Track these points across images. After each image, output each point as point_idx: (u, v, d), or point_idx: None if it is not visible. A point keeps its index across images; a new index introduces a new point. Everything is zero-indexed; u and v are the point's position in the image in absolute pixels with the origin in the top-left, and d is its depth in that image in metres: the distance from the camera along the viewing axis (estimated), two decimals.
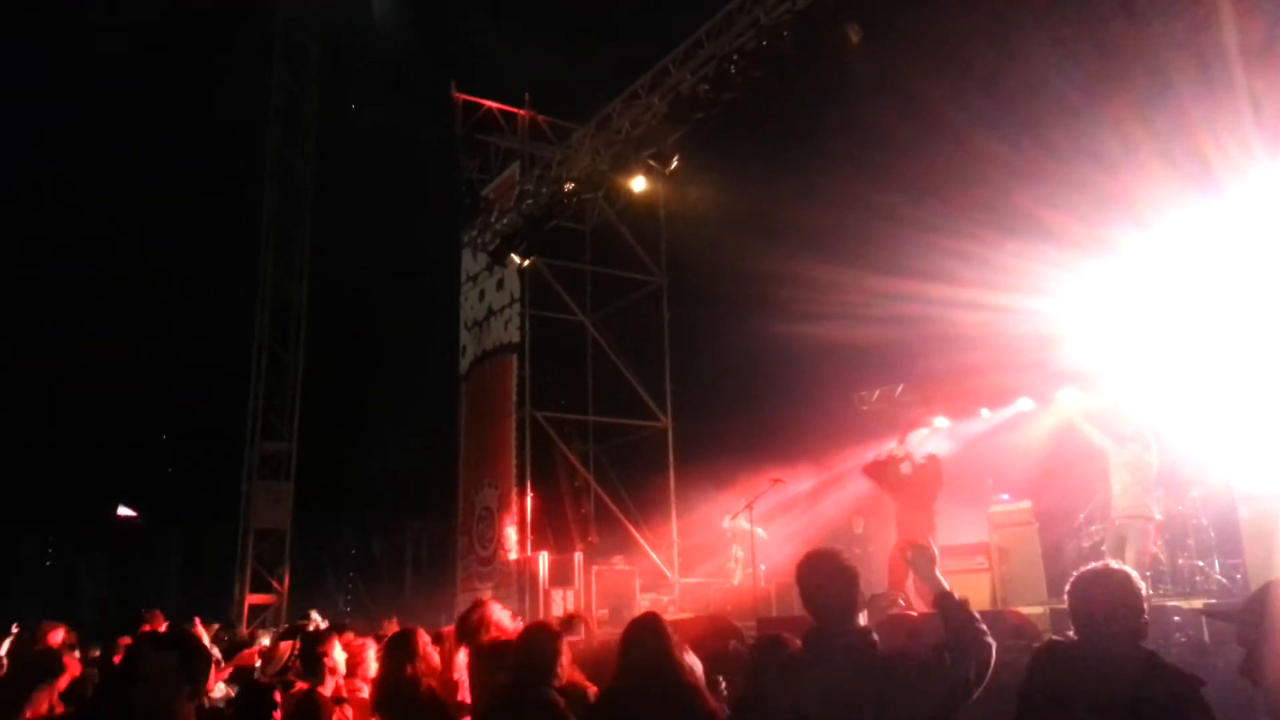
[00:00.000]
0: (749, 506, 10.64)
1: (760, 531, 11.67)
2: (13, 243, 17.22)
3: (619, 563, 13.79)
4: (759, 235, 12.51)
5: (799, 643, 3.15)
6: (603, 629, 8.81)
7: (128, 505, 19.64)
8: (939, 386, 12.79)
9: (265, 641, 10.01)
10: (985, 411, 12.82)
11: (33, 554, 20.17)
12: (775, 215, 12.11)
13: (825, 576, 2.93)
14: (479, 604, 5.01)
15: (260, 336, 17.90)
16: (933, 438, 13.41)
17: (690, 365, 15.60)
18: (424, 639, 4.67)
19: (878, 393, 13.87)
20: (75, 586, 18.11)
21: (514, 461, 15.07)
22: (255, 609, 16.68)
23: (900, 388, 13.55)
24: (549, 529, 15.03)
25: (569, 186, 13.11)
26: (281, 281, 18.13)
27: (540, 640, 4.10)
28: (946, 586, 3.02)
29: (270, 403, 17.73)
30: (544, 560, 13.62)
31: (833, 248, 11.10)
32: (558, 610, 12.44)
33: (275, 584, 17.15)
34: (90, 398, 18.58)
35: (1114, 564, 2.99)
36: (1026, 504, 10.32)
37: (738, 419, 13.85)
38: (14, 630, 7.73)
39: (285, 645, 5.69)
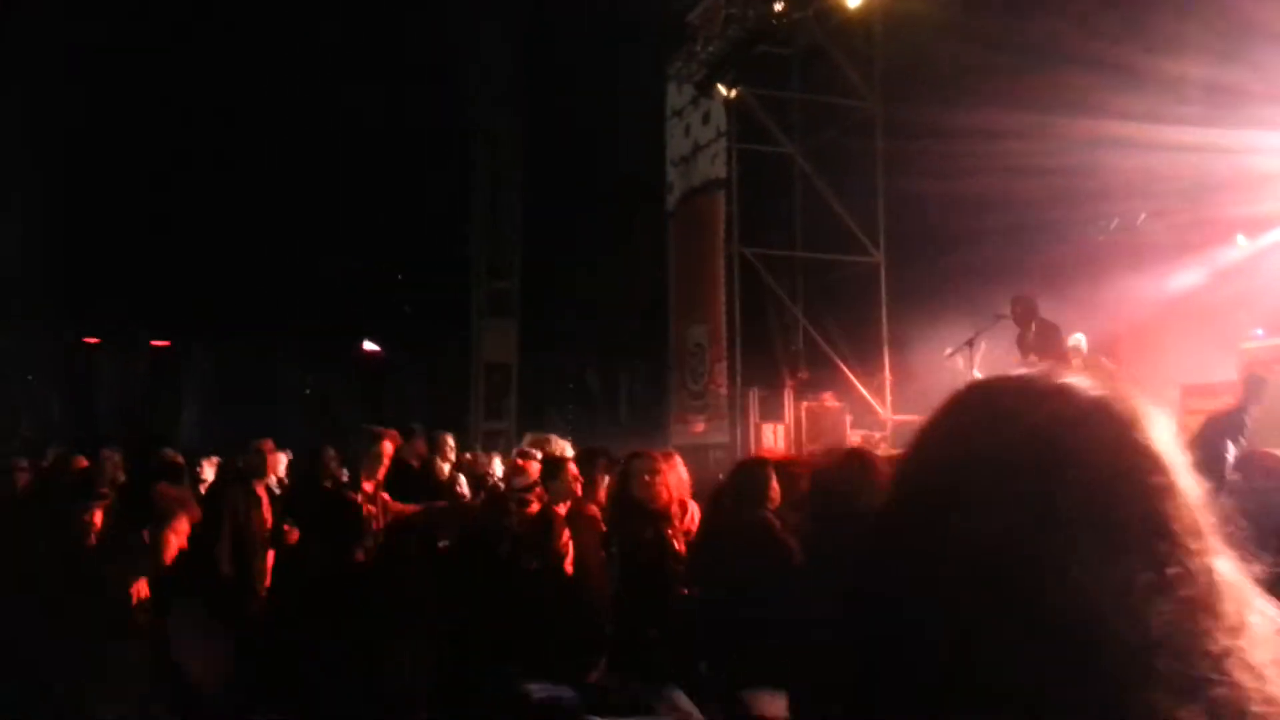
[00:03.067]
0: (970, 343, 10.29)
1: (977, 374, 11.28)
2: (254, 102, 18.27)
3: (829, 399, 13.80)
4: (977, 64, 11.50)
5: None
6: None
7: (372, 340, 21.52)
8: (1189, 211, 11.61)
9: (497, 463, 10.93)
10: (1241, 239, 11.59)
11: (294, 386, 22.58)
12: (992, 48, 11.07)
13: None
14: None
15: (479, 180, 18.76)
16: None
17: (905, 197, 14.79)
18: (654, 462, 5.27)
19: (1116, 221, 12.74)
20: (333, 413, 20.21)
21: (723, 298, 15.20)
22: (488, 435, 18.17)
23: (1143, 215, 12.40)
24: (758, 365, 15.21)
25: (779, 6, 12.49)
26: (493, 124, 18.76)
27: (753, 470, 4.86)
28: None
29: (494, 244, 18.81)
30: (754, 395, 13.88)
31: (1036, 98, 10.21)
32: (769, 444, 12.76)
33: (504, 413, 18.67)
34: (333, 244, 20.03)
35: None
36: None
37: (957, 252, 13.14)
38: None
39: (529, 466, 6.33)
